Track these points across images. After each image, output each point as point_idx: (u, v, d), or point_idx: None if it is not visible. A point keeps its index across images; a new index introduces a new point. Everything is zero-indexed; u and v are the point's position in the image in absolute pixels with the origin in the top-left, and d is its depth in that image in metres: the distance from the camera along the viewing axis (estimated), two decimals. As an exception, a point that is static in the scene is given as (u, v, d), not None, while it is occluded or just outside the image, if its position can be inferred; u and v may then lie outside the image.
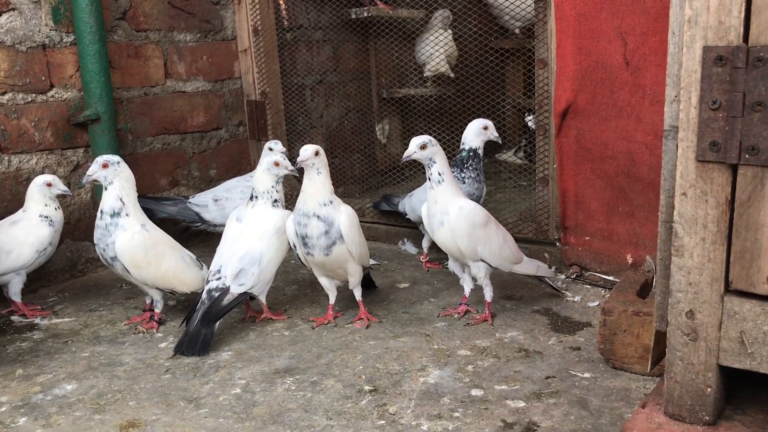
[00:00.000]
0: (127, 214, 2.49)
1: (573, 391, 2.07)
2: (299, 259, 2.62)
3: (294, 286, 3.11)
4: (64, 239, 3.22)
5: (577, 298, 2.80)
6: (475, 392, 2.08)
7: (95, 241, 2.54)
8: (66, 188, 2.77)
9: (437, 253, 3.34)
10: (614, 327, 2.17)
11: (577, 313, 2.67)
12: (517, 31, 4.71)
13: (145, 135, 3.49)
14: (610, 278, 2.91)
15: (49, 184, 2.74)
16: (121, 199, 2.49)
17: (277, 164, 2.63)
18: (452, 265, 2.66)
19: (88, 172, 2.49)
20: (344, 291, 2.72)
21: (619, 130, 2.79)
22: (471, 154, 3.02)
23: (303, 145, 2.50)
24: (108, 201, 2.49)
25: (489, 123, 3.01)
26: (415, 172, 4.54)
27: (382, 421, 1.94)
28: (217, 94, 3.82)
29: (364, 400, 2.06)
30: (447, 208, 2.48)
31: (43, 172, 3.11)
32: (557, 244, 3.08)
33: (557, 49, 2.88)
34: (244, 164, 3.99)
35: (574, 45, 2.82)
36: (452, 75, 4.52)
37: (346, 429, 1.91)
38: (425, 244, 3.28)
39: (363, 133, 4.66)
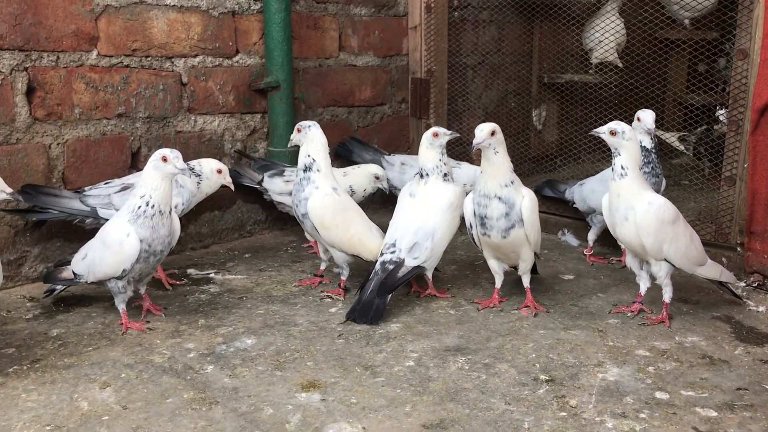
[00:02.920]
0: (318, 170, 2.58)
1: (770, 407, 1.93)
2: (472, 238, 2.60)
3: (453, 266, 3.09)
4: (236, 200, 3.37)
5: (761, 309, 2.61)
6: (659, 395, 1.98)
7: (291, 199, 2.65)
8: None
9: (600, 247, 3.23)
10: (820, 344, 1.99)
11: (763, 324, 2.49)
12: (686, 22, 4.44)
13: (316, 105, 3.57)
14: (799, 291, 2.69)
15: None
16: (309, 155, 2.58)
17: (436, 135, 2.61)
18: (630, 261, 2.54)
19: (291, 138, 2.65)
20: (508, 276, 2.68)
21: (828, 131, 2.57)
22: None
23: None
24: (300, 158, 2.62)
25: (643, 114, 2.85)
26: (567, 160, 4.40)
27: (563, 413, 1.89)
28: (384, 69, 3.85)
29: (542, 389, 2.01)
30: (632, 203, 2.36)
31: (223, 135, 3.25)
32: (738, 249, 2.88)
33: (763, 40, 2.67)
34: (402, 141, 4.01)
35: (783, 36, 2.61)
36: (620, 64, 4.33)
37: (527, 416, 1.87)
38: (591, 236, 3.16)
39: (519, 117, 4.56)
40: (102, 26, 2.84)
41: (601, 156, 4.25)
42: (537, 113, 4.64)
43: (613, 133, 2.35)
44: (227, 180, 2.87)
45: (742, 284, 2.82)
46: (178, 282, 2.83)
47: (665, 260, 2.40)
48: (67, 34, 2.75)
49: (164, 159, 2.27)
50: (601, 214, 3.01)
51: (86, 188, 2.78)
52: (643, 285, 2.53)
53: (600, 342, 2.32)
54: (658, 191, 2.89)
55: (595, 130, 2.41)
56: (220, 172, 2.85)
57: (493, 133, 2.41)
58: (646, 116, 2.84)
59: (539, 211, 3.54)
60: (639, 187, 2.36)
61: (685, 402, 1.95)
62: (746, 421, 1.85)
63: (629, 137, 2.35)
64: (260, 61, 3.30)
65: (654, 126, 2.83)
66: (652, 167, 2.87)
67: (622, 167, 2.35)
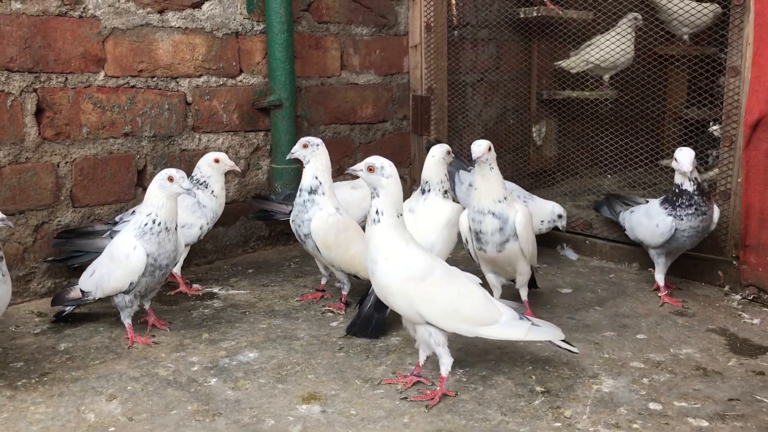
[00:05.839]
0: (323, 193, 2.62)
1: (761, 417, 1.96)
2: (469, 253, 2.65)
3: (453, 280, 3.13)
4: (240, 216, 3.43)
5: (755, 321, 2.65)
6: (653, 406, 2.02)
7: (292, 218, 2.69)
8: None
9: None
10: (810, 355, 2.03)
11: (756, 336, 2.53)
12: (686, 37, 4.50)
13: (318, 123, 3.64)
14: (793, 303, 2.73)
15: None
16: (316, 178, 2.62)
17: (449, 153, 2.69)
18: (405, 322, 2.17)
19: (292, 150, 2.67)
20: (507, 290, 2.73)
21: (818, 146, 2.61)
22: (677, 191, 2.69)
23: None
24: (305, 179, 2.64)
25: (679, 154, 2.62)
26: (566, 175, 4.45)
27: (558, 424, 1.93)
28: (385, 87, 3.92)
29: (537, 401, 2.06)
30: (375, 256, 2.02)
31: (227, 153, 3.30)
32: (734, 262, 2.93)
33: (753, 57, 2.74)
34: (404, 157, 4.07)
35: (773, 54, 2.67)
36: (607, 77, 4.35)
37: (522, 427, 1.92)
38: (658, 276, 2.86)
39: (518, 133, 4.62)
40: (109, 48, 2.92)
41: (600, 171, 4.31)
42: (537, 129, 4.70)
43: (371, 169, 1.99)
44: (229, 164, 2.91)
45: (738, 297, 2.87)
46: (196, 289, 2.98)
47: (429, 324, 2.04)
48: (76, 56, 2.83)
49: (171, 179, 2.34)
50: (654, 248, 2.83)
51: (117, 218, 2.86)
52: (422, 354, 2.15)
53: (596, 354, 2.37)
54: (708, 226, 2.74)
55: (351, 168, 2.04)
56: (217, 161, 2.90)
57: (489, 149, 2.47)
58: (683, 157, 2.60)
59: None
60: (392, 237, 2.01)
61: (677, 412, 1.99)
62: (736, 431, 1.89)
63: (390, 173, 1.99)
64: (263, 80, 3.38)
65: (691, 168, 2.59)
66: (695, 208, 2.66)
67: (377, 212, 2.00)
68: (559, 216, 3.27)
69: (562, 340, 2.12)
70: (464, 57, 4.20)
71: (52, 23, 2.76)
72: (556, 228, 3.31)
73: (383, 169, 1.98)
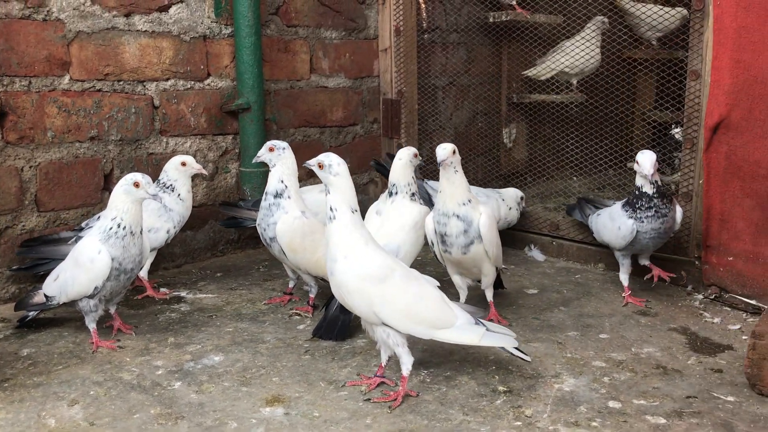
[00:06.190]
0: (288, 197, 2.62)
1: (716, 413, 2.00)
2: (436, 255, 2.67)
3: (421, 282, 3.15)
4: (208, 220, 3.42)
5: (716, 320, 2.70)
6: (612, 404, 2.06)
7: (258, 222, 2.69)
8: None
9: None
10: (764, 352, 2.08)
11: (716, 334, 2.58)
12: (654, 41, 4.57)
13: (288, 126, 3.64)
14: (753, 302, 2.78)
15: None
16: (282, 181, 2.63)
17: (416, 156, 2.72)
18: (364, 323, 2.17)
19: (258, 153, 2.69)
20: (473, 291, 2.75)
21: (776, 148, 2.67)
22: (637, 193, 2.72)
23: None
24: (271, 182, 2.65)
25: (640, 156, 2.65)
26: (537, 177, 4.50)
27: (519, 423, 1.95)
28: (356, 91, 3.94)
29: (499, 400, 2.08)
30: (335, 255, 2.03)
31: (195, 156, 3.31)
32: (696, 262, 2.98)
33: (713, 62, 2.79)
34: (374, 160, 4.09)
35: (731, 58, 2.72)
36: (574, 82, 4.40)
37: (483, 426, 1.94)
38: (623, 276, 2.90)
39: (489, 136, 4.66)
40: (74, 52, 2.91)
41: (569, 173, 4.36)
42: (507, 132, 4.74)
43: (320, 165, 2.02)
44: (196, 167, 2.92)
45: (701, 296, 2.92)
46: (164, 293, 2.96)
47: (385, 324, 2.05)
48: (39, 59, 2.81)
49: (136, 185, 2.33)
50: (619, 251, 2.86)
51: (83, 225, 2.85)
52: (384, 355, 2.16)
53: (559, 354, 2.40)
54: (671, 227, 2.77)
55: (307, 162, 2.08)
56: (184, 164, 2.90)
57: (454, 152, 2.50)
58: (644, 160, 2.63)
59: (507, 228, 3.69)
60: (351, 235, 2.02)
61: (636, 410, 2.02)
62: (693, 427, 1.93)
63: (338, 171, 2.01)
64: (232, 83, 3.38)
65: (652, 171, 2.62)
66: (655, 210, 2.69)
67: (331, 209, 2.02)
68: (522, 198, 3.53)
69: (515, 348, 2.11)
70: (434, 61, 4.23)
71: (15, 26, 2.74)
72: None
73: (330, 167, 2.00)
